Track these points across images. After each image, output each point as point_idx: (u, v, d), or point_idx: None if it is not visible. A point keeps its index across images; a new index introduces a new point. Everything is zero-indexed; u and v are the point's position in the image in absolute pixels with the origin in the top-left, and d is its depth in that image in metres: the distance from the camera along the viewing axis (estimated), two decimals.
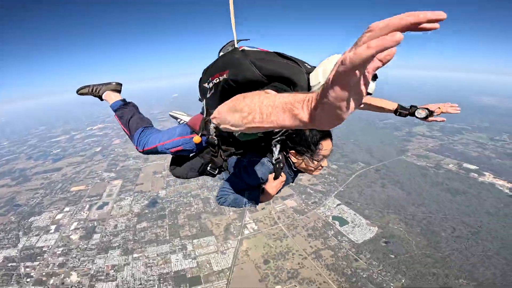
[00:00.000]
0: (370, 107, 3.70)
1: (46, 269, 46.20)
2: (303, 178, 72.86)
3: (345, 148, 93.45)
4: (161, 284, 43.12)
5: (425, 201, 59.23)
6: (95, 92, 4.24)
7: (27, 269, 46.31)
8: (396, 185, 67.09)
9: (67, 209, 64.33)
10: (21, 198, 72.17)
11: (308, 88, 2.30)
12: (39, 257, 48.92)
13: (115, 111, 4.04)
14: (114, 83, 4.25)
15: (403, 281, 37.67)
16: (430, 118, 3.59)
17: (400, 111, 3.69)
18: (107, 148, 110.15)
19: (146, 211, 61.31)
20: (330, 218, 54.04)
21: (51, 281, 43.45)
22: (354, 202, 59.82)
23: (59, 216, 61.52)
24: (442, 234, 47.47)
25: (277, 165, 2.73)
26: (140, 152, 3.71)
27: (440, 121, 3.66)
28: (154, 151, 3.51)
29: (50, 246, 52.03)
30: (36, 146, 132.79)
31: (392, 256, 41.69)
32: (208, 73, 2.69)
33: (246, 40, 2.86)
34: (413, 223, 51.64)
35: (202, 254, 48.54)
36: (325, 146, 2.73)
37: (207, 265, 46.31)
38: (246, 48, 2.58)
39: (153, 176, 78.17)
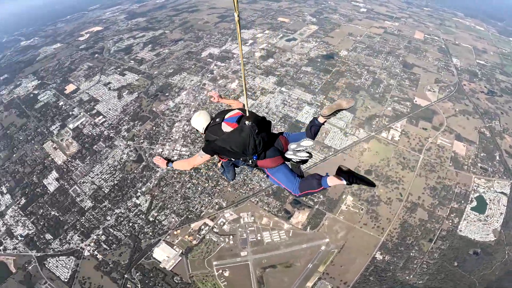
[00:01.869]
0: None
1: (224, 71, 59.20)
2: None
3: None
4: (281, 125, 47.55)
5: None
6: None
7: (214, 67, 61.45)
8: None
9: (267, 31, 73.77)
10: (244, 14, 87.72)
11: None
12: (226, 60, 62.98)
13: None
14: None
15: (421, 282, 32.42)
16: None
17: None
18: None
19: (319, 60, 60.58)
20: (473, 194, 39.06)
21: (219, 82, 55.98)
22: None
23: (259, 35, 72.40)
24: None
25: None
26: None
27: None
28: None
29: (238, 54, 64.29)
30: None
31: (455, 264, 33.83)
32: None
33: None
34: None
35: (330, 122, 46.41)
36: None
37: (324, 134, 45.04)
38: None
39: (346, 36, 71.15)
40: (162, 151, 45.27)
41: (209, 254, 33.67)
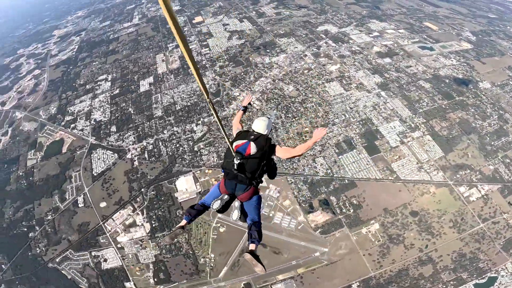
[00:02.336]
0: None
1: (332, 51, 56.43)
2: None
3: None
4: (358, 126, 43.58)
5: None
6: None
7: (324, 44, 58.67)
8: None
9: (401, 30, 63.75)
10: (385, 5, 76.67)
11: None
12: (339, 42, 59.32)
13: None
14: None
15: None
16: None
17: None
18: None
19: (447, 81, 49.36)
20: (491, 273, 32.81)
21: (321, 59, 54.25)
22: None
23: (389, 30, 63.66)
24: None
25: None
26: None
27: None
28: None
29: (355, 41, 59.67)
30: None
31: None
32: None
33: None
34: None
35: (412, 148, 39.87)
36: None
37: (397, 156, 39.01)
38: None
39: (503, 68, 55.11)
40: (238, 95, 47.25)
41: None
